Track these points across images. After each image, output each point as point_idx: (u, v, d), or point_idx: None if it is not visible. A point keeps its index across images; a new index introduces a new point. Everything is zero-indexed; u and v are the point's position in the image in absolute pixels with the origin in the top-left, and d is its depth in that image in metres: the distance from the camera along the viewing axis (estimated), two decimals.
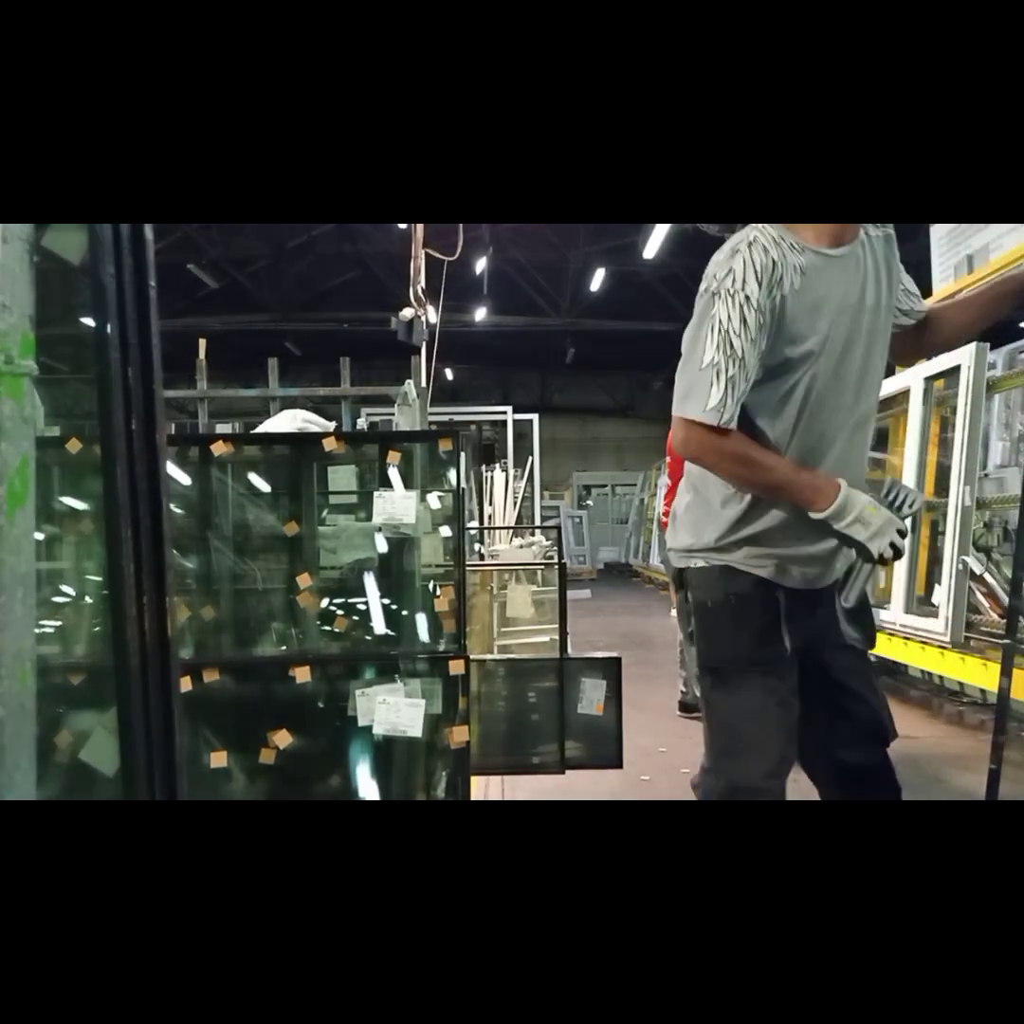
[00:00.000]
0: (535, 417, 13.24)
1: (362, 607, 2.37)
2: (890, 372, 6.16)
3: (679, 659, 4.45)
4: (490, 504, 8.19)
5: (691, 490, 1.77)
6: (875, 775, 1.70)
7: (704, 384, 1.51)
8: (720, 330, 1.50)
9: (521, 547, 6.73)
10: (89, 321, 0.92)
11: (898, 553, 1.50)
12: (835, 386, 1.59)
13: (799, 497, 1.54)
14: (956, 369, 3.85)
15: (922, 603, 4.82)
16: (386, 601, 2.36)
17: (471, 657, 2.22)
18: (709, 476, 1.66)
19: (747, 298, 1.50)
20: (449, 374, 17.70)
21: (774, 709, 1.64)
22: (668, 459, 4.36)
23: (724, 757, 1.69)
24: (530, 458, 11.33)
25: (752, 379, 1.53)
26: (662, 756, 3.87)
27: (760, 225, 1.57)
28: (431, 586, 2.32)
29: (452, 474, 2.33)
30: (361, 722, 2.11)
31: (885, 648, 5.10)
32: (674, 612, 4.44)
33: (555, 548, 6.15)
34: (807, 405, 1.59)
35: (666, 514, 4.34)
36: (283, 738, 2.12)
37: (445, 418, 9.84)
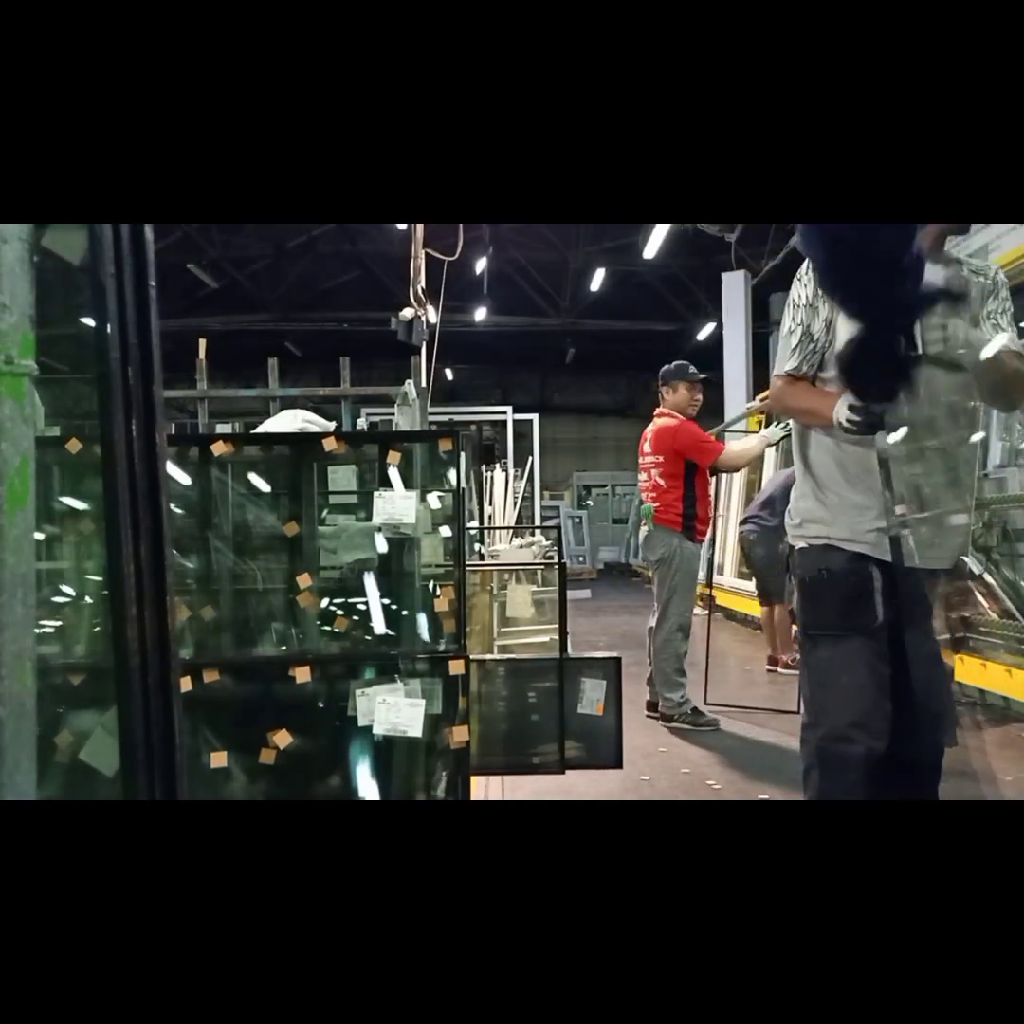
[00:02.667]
0: (535, 417, 13.26)
1: (362, 607, 2.37)
2: None
3: (648, 658, 4.44)
4: (490, 504, 8.19)
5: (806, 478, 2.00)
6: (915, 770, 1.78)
7: (783, 348, 1.96)
8: (792, 306, 1.96)
9: (521, 547, 6.73)
10: (89, 321, 0.92)
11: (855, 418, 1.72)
12: None
13: (826, 413, 1.81)
14: None
15: None
16: (386, 601, 2.36)
17: (471, 657, 2.22)
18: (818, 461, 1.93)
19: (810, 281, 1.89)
20: (449, 374, 17.70)
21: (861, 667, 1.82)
22: (661, 457, 4.38)
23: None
24: (530, 458, 11.34)
25: (820, 342, 1.89)
26: (662, 756, 3.87)
27: None
28: (431, 586, 2.32)
29: (452, 474, 2.32)
30: (361, 722, 2.11)
31: None
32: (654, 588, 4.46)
33: (555, 548, 6.15)
34: None
35: (670, 511, 4.37)
36: (283, 738, 2.12)
37: (445, 418, 9.84)
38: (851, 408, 1.72)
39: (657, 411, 4.50)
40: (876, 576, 1.82)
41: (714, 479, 9.22)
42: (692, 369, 4.45)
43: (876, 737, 1.79)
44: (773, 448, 6.74)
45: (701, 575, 6.42)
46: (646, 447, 4.47)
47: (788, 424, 4.39)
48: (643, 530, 4.50)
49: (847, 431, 1.74)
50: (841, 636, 1.84)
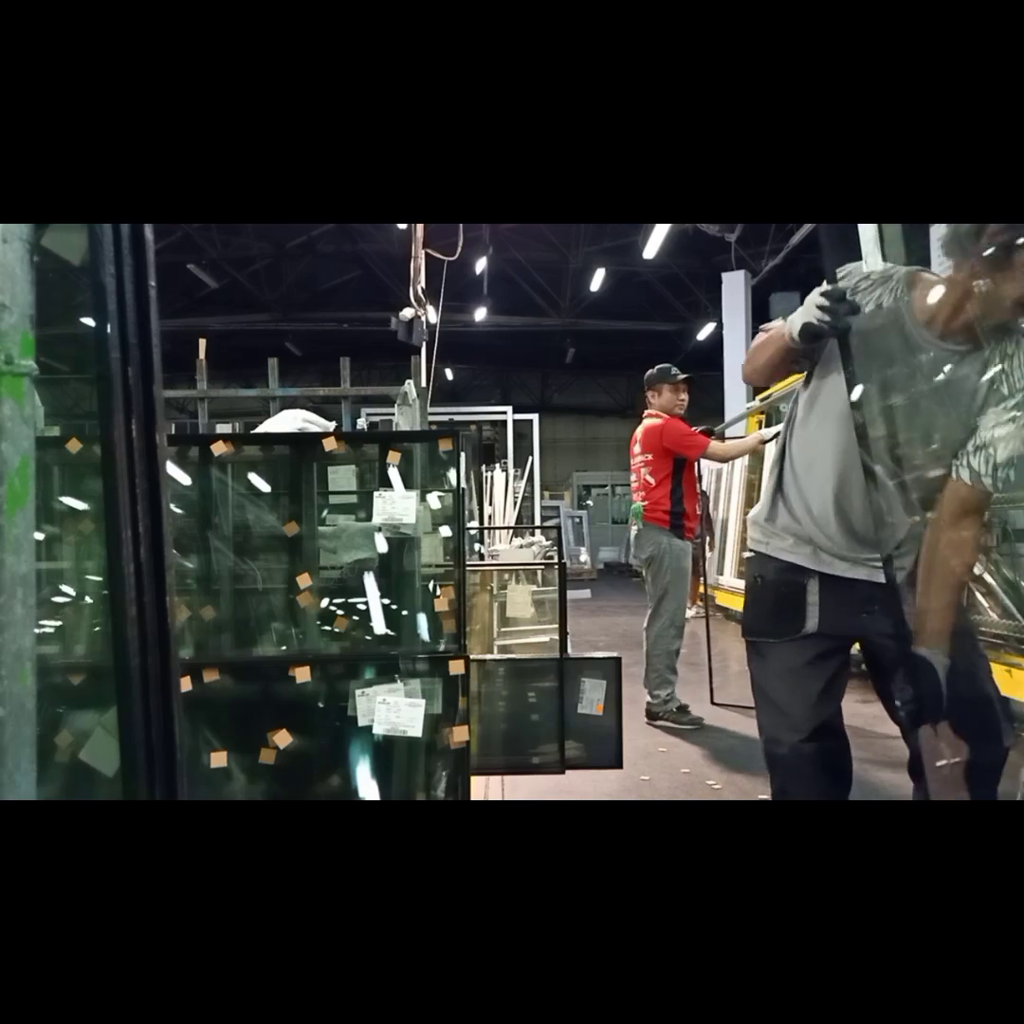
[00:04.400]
0: (535, 417, 13.25)
1: (362, 607, 2.37)
2: None
3: (645, 663, 4.45)
4: (490, 504, 8.19)
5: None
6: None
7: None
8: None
9: (521, 547, 6.73)
10: (89, 321, 0.92)
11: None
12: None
13: (782, 333, 1.76)
14: None
15: None
16: (386, 601, 2.36)
17: (471, 657, 2.22)
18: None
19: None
20: (449, 374, 17.71)
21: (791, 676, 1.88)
22: (649, 455, 4.41)
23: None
24: (530, 458, 11.34)
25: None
26: (662, 756, 3.87)
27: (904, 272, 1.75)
28: (431, 586, 2.31)
29: (452, 474, 2.32)
30: (361, 722, 2.11)
31: None
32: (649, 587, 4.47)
33: (555, 548, 6.15)
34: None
35: (657, 508, 4.39)
36: (283, 738, 2.12)
37: (445, 418, 9.84)
38: (824, 295, 1.63)
39: (645, 412, 4.57)
40: (810, 585, 1.85)
41: (715, 480, 9.24)
42: (674, 370, 4.53)
43: (799, 731, 1.85)
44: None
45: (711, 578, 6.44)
46: (636, 447, 4.55)
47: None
48: (633, 530, 4.56)
49: (815, 332, 1.65)
50: (769, 643, 1.91)
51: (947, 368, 1.70)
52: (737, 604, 8.25)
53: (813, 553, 1.86)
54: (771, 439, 4.29)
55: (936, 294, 1.68)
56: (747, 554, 1.96)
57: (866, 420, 1.65)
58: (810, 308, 1.65)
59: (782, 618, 1.89)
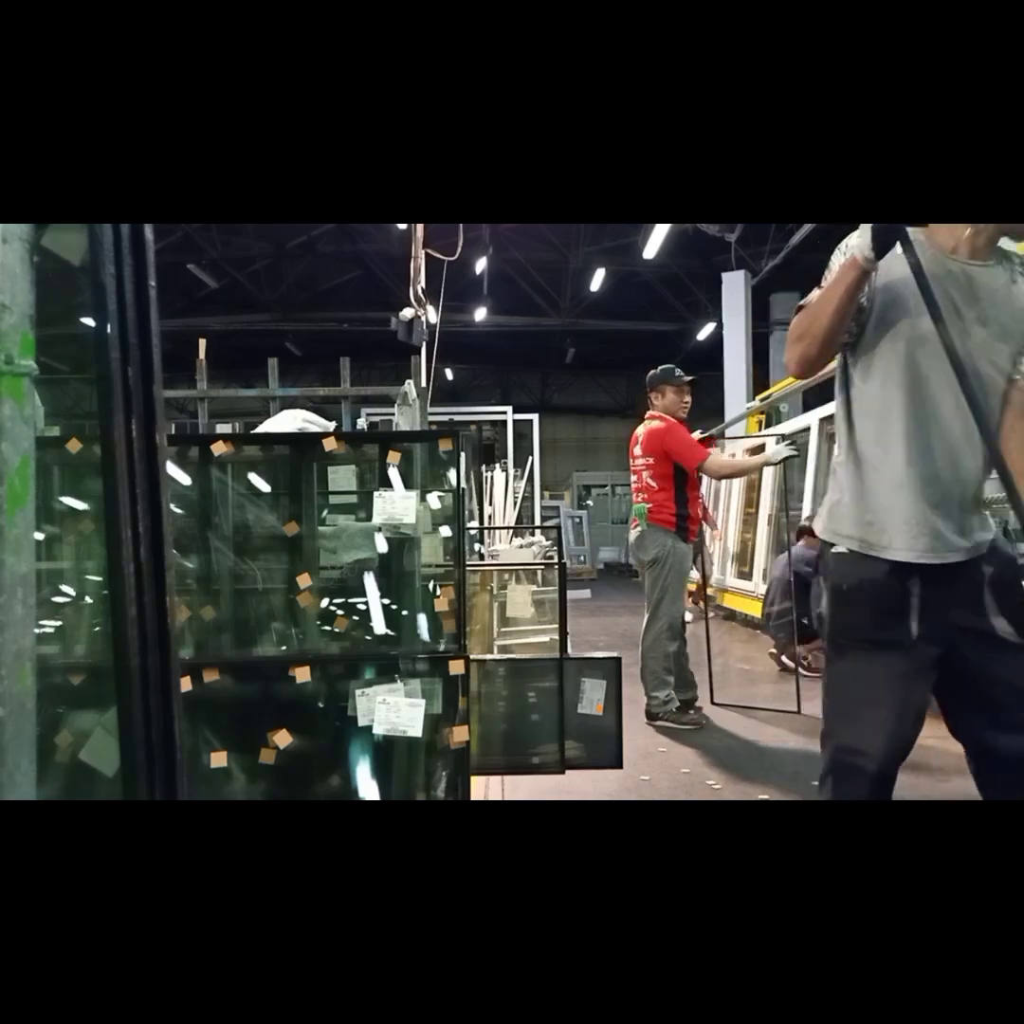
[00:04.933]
0: (535, 417, 13.26)
1: (362, 607, 2.37)
2: None
3: (640, 663, 4.45)
4: (490, 504, 8.20)
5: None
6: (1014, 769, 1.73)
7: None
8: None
9: (521, 547, 6.73)
10: (89, 321, 0.92)
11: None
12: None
13: (836, 273, 1.75)
14: None
15: None
16: (386, 601, 2.36)
17: (471, 657, 2.22)
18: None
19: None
20: (449, 374, 17.72)
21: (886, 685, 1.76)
22: (652, 459, 4.40)
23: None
24: (530, 458, 11.35)
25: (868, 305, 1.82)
26: (662, 756, 3.87)
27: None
28: (431, 586, 2.32)
29: (452, 474, 2.32)
30: (361, 722, 2.11)
31: None
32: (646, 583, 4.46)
33: (555, 548, 6.15)
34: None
35: (664, 510, 4.39)
36: (283, 738, 2.12)
37: (445, 418, 9.84)
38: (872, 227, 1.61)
39: (647, 414, 4.55)
40: (913, 587, 1.74)
41: (713, 484, 9.23)
42: (678, 372, 4.50)
43: (888, 759, 1.75)
44: (773, 468, 6.79)
45: (705, 576, 6.41)
46: (637, 449, 4.53)
47: (794, 444, 4.43)
48: (635, 530, 4.53)
49: (886, 236, 1.61)
50: (869, 648, 1.77)
51: (986, 283, 1.76)
52: (737, 604, 8.26)
53: (911, 538, 1.75)
54: (783, 461, 4.31)
55: (942, 228, 1.78)
56: (836, 551, 1.84)
57: (955, 343, 1.63)
58: (865, 230, 1.64)
59: (880, 622, 1.76)
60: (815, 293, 1.80)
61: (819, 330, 1.75)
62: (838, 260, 1.75)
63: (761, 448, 8.03)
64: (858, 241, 1.65)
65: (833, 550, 1.85)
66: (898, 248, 1.65)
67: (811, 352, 1.78)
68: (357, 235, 13.91)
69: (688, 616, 6.49)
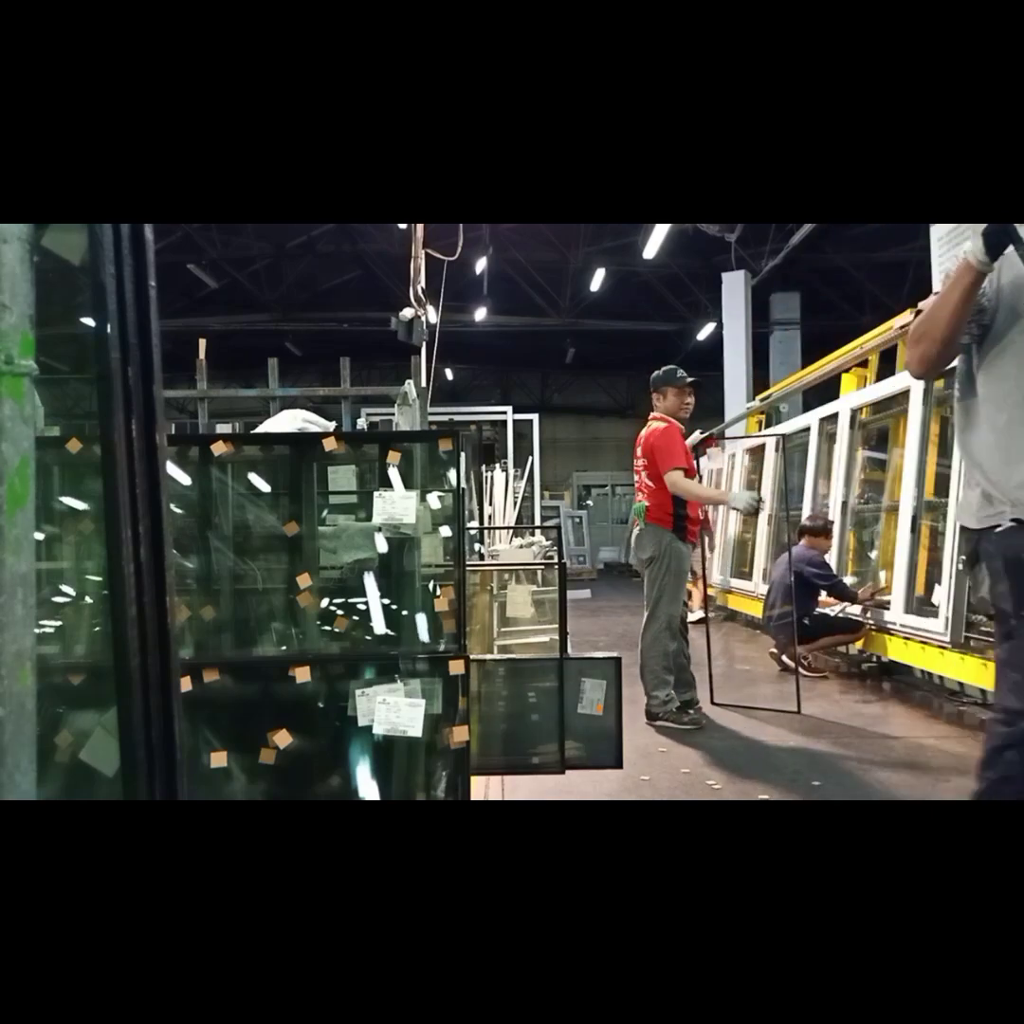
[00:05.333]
0: (535, 417, 13.26)
1: (362, 607, 2.37)
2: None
3: (640, 663, 4.45)
4: (490, 504, 8.19)
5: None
6: None
7: None
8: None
9: (521, 547, 6.73)
10: (89, 321, 0.92)
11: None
12: None
13: (955, 273, 1.81)
14: (954, 370, 3.84)
15: (922, 603, 4.83)
16: (386, 601, 2.36)
17: (471, 657, 2.22)
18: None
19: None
20: (449, 374, 17.71)
21: None
22: (647, 460, 4.41)
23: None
24: (530, 458, 11.35)
25: (990, 305, 1.89)
26: (662, 756, 3.87)
27: None
28: (431, 586, 2.32)
29: (452, 474, 2.32)
30: (361, 722, 2.11)
31: (885, 648, 5.11)
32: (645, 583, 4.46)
33: (555, 548, 6.15)
34: None
35: (661, 510, 4.40)
36: (283, 738, 2.12)
37: (445, 418, 9.84)
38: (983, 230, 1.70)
39: (650, 415, 4.57)
40: None
41: (714, 480, 9.23)
42: (680, 373, 4.51)
43: None
44: (773, 467, 6.74)
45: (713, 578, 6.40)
46: (638, 450, 4.55)
47: (762, 501, 4.48)
48: (635, 529, 4.55)
49: (999, 238, 1.68)
50: None
51: None
52: (743, 606, 8.25)
53: None
54: (743, 508, 4.41)
55: None
56: (1000, 530, 1.85)
57: None
58: (977, 232, 1.70)
59: None
60: (932, 297, 1.84)
61: (937, 332, 1.85)
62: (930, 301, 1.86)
63: (761, 448, 8.04)
64: (970, 245, 1.72)
65: (996, 531, 1.86)
66: (1011, 248, 1.71)
67: (931, 352, 1.89)
68: (357, 235, 13.90)
69: (695, 616, 6.50)
